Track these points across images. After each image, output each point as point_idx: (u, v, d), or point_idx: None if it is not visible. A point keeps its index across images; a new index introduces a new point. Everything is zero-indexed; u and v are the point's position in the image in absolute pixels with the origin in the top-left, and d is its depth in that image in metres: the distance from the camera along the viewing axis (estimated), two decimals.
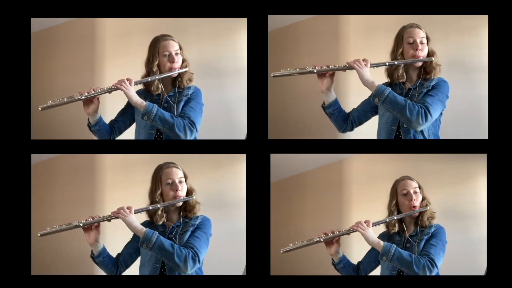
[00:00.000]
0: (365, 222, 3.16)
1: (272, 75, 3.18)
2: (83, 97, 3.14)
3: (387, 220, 3.21)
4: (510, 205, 3.22)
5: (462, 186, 3.35)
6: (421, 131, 3.18)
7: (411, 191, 3.21)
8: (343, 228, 3.19)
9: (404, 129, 3.19)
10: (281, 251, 3.18)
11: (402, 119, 3.15)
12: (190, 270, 3.13)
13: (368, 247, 3.23)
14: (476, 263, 3.27)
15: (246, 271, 3.26)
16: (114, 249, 3.22)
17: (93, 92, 3.14)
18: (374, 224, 3.18)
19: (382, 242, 3.16)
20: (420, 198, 3.22)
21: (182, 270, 3.13)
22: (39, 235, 3.12)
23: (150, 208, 3.17)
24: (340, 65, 3.18)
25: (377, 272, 3.25)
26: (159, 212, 3.17)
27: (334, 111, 3.24)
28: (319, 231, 3.18)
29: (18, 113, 3.25)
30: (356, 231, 3.16)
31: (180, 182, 3.20)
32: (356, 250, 3.28)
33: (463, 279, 3.24)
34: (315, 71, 3.18)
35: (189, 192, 3.22)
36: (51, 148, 3.28)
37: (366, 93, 3.25)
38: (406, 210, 3.21)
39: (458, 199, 3.34)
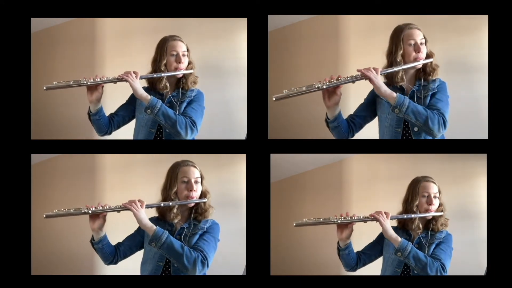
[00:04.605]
0: (384, 213, 3.14)
1: (273, 98, 3.10)
2: (88, 83, 3.15)
3: (405, 216, 3.17)
4: (510, 205, 3.22)
5: (462, 186, 3.35)
6: None
7: (432, 196, 3.19)
8: (362, 215, 3.15)
9: (415, 132, 3.17)
10: (294, 224, 3.13)
11: (423, 128, 3.13)
12: (198, 273, 3.12)
13: (370, 239, 3.23)
14: (476, 263, 3.27)
15: (246, 271, 3.26)
16: (114, 239, 3.22)
17: (98, 79, 3.15)
18: (392, 218, 3.16)
19: (399, 238, 3.13)
20: (438, 203, 3.21)
21: (190, 272, 3.13)
22: (44, 216, 3.12)
23: (162, 205, 3.17)
24: (349, 76, 3.12)
25: (378, 269, 3.24)
26: (175, 210, 3.17)
27: (339, 124, 3.19)
28: (319, 231, 3.18)
29: (18, 113, 3.25)
30: (374, 220, 3.14)
31: (196, 182, 3.19)
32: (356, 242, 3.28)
33: (463, 279, 3.24)
34: (324, 87, 3.11)
35: (203, 194, 3.21)
36: (51, 148, 3.28)
37: (364, 97, 3.24)
38: (422, 211, 3.20)
39: (458, 199, 3.34)
